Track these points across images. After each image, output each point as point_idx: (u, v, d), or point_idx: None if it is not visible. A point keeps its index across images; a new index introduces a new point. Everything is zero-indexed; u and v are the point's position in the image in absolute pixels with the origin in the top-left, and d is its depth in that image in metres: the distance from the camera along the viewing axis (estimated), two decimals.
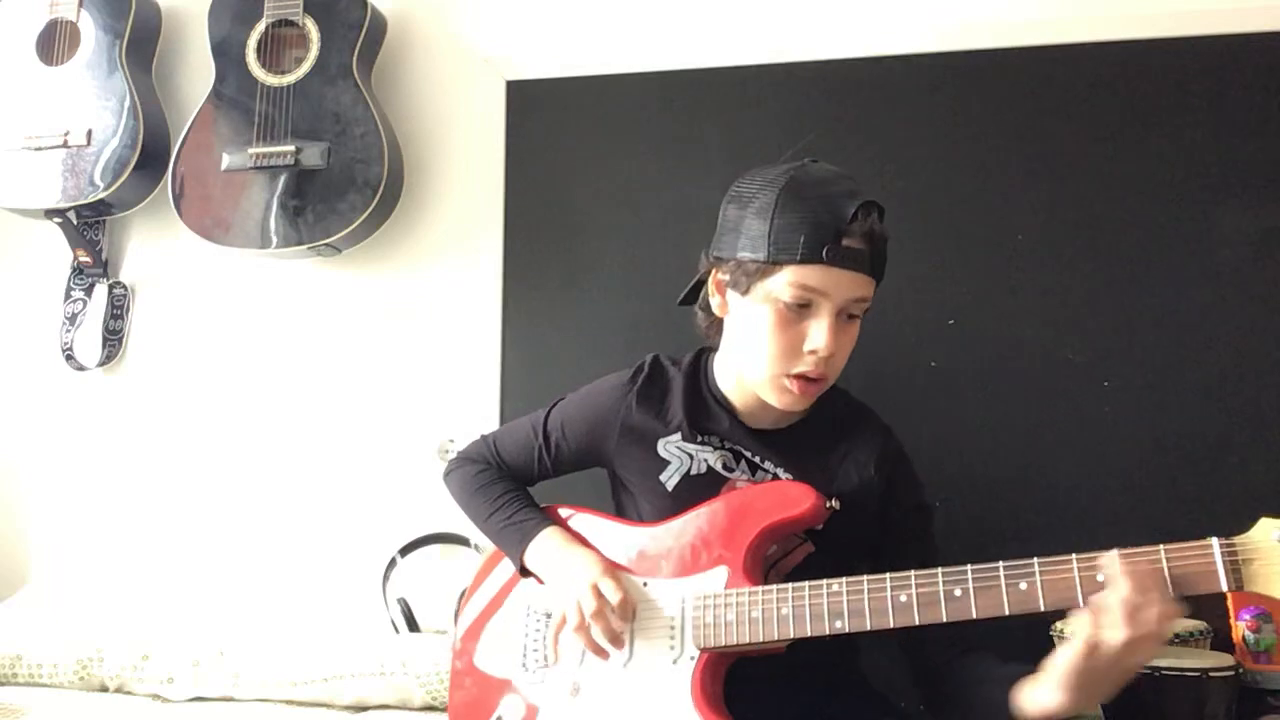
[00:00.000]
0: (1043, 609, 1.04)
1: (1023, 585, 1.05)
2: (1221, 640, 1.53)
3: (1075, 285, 1.74)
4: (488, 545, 1.89)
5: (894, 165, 1.81)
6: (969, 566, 1.07)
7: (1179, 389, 1.69)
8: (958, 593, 1.07)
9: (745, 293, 1.21)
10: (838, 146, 1.85)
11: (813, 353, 1.18)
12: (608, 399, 1.37)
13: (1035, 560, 1.05)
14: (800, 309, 1.18)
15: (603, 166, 1.95)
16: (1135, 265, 1.73)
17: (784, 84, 1.88)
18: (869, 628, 1.10)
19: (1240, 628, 1.53)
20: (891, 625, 1.09)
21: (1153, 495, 1.68)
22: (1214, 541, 0.98)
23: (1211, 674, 1.34)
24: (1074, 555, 1.03)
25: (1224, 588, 0.97)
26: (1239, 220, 1.70)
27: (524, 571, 1.34)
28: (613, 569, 1.26)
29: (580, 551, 1.28)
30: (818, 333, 1.18)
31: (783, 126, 1.87)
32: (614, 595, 1.20)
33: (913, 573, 1.10)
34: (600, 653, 1.22)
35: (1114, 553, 1.01)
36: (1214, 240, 1.71)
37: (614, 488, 1.42)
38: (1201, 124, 1.73)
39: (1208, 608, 1.59)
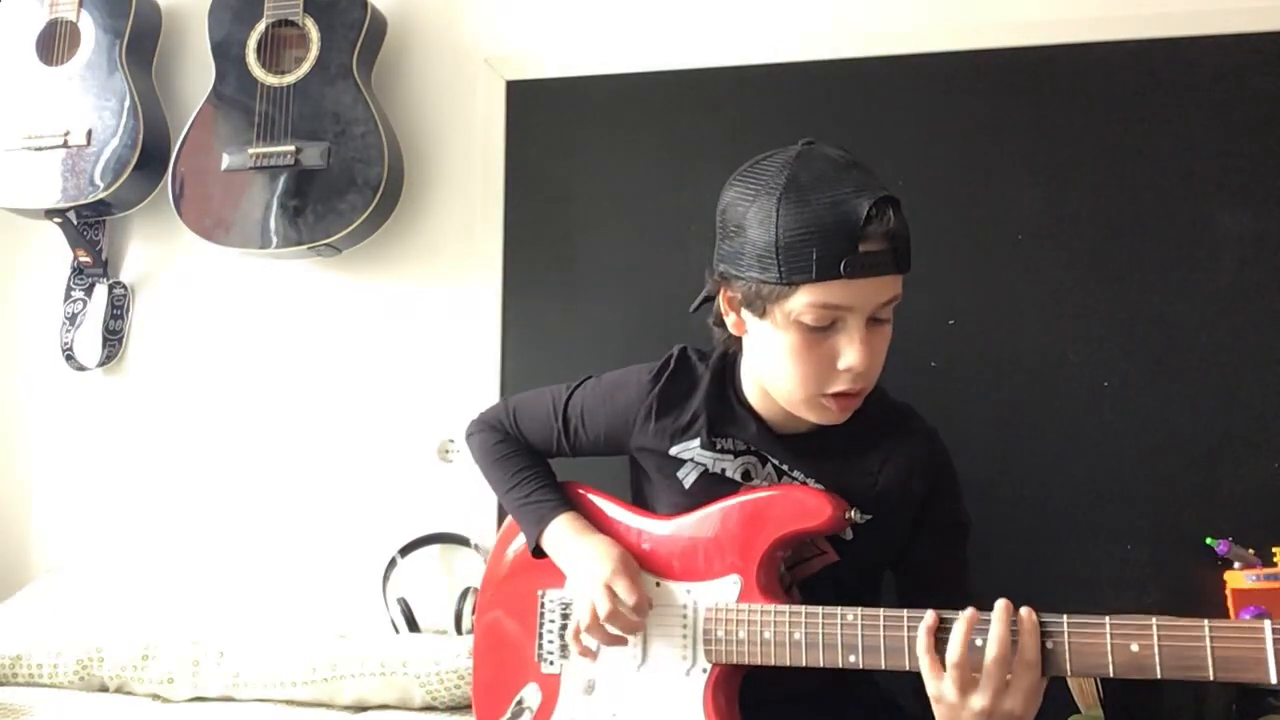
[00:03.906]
0: (1069, 674, 0.98)
1: (1049, 645, 0.98)
2: None
3: (1075, 285, 1.74)
4: (489, 544, 1.89)
5: (894, 165, 1.81)
6: (992, 615, 1.00)
7: (1178, 389, 1.69)
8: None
9: (762, 315, 1.12)
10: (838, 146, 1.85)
11: (848, 370, 1.10)
12: (629, 396, 1.32)
13: (1064, 617, 0.98)
14: (826, 327, 1.09)
15: (603, 166, 1.95)
16: (1135, 265, 1.73)
17: (784, 84, 1.88)
18: (883, 667, 1.06)
19: None
20: (907, 667, 1.04)
21: (1152, 495, 1.68)
22: (1266, 625, 0.88)
23: None
24: (1108, 618, 0.96)
25: (1272, 681, 0.87)
26: (1238, 220, 1.70)
27: (538, 553, 1.32)
28: (627, 563, 1.22)
29: (594, 542, 1.25)
30: (850, 350, 1.09)
31: (783, 126, 1.87)
32: (629, 596, 1.18)
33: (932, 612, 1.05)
34: (619, 641, 1.21)
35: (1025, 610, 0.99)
36: (1213, 240, 1.71)
37: (634, 471, 1.40)
38: (1201, 124, 1.73)
39: (1208, 607, 1.59)
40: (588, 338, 1.91)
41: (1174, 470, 1.67)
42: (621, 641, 1.21)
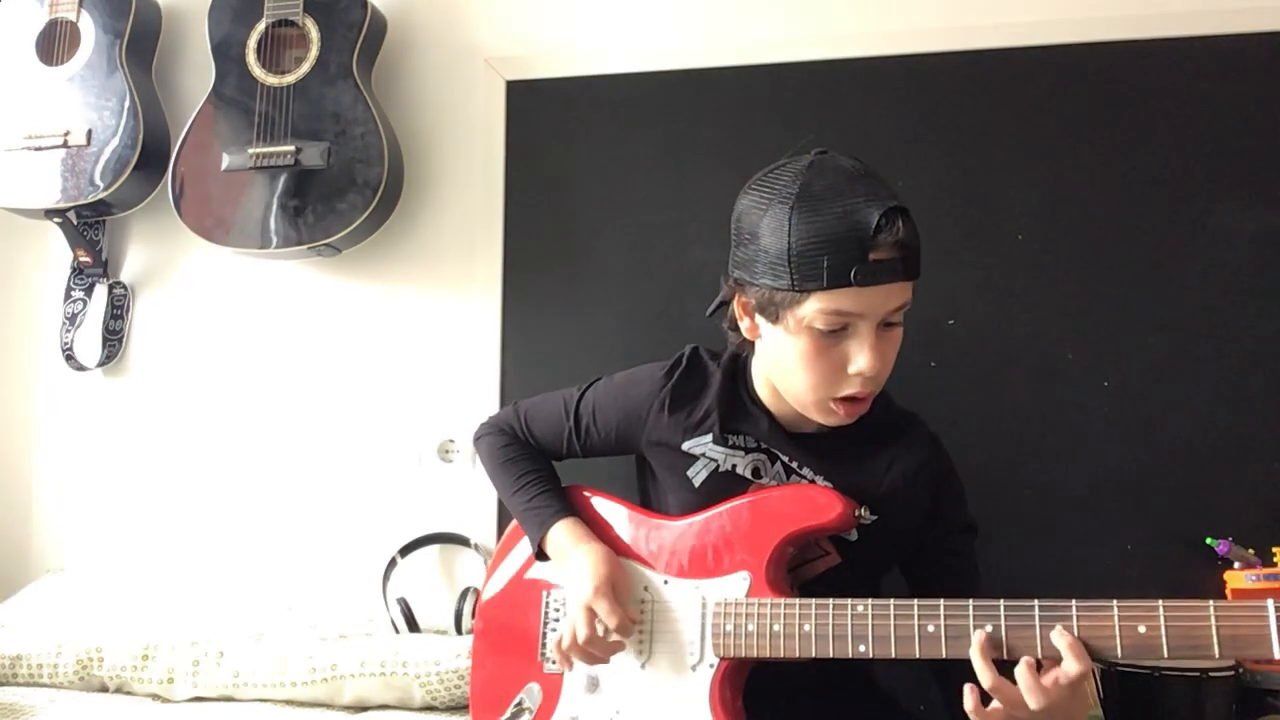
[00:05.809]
0: None
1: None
2: None
3: (1075, 285, 1.74)
4: (489, 544, 1.89)
5: (893, 165, 1.81)
6: (1001, 601, 1.02)
7: (1178, 389, 1.69)
8: (989, 629, 1.02)
9: (775, 321, 1.15)
10: (837, 147, 1.85)
11: (858, 374, 1.12)
12: (641, 391, 1.33)
13: (1073, 603, 0.99)
14: (837, 331, 1.12)
15: (603, 167, 1.95)
16: (1135, 265, 1.73)
17: (784, 84, 1.88)
18: (893, 656, 1.07)
19: None
20: (917, 656, 1.05)
21: (1151, 495, 1.68)
22: (1269, 604, 0.91)
23: (1211, 674, 1.34)
24: (1115, 602, 0.97)
25: (1275, 655, 0.90)
26: (1238, 220, 1.70)
27: (541, 555, 1.33)
28: (612, 580, 1.22)
29: (587, 553, 1.25)
30: (860, 354, 1.11)
31: (783, 126, 1.87)
32: (609, 618, 1.18)
33: (942, 602, 1.05)
34: (600, 660, 1.22)
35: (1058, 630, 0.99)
36: (1213, 240, 1.71)
37: (640, 473, 1.41)
38: (1201, 124, 1.73)
39: None
40: (587, 338, 1.91)
41: (1174, 470, 1.68)
42: (602, 660, 1.22)
